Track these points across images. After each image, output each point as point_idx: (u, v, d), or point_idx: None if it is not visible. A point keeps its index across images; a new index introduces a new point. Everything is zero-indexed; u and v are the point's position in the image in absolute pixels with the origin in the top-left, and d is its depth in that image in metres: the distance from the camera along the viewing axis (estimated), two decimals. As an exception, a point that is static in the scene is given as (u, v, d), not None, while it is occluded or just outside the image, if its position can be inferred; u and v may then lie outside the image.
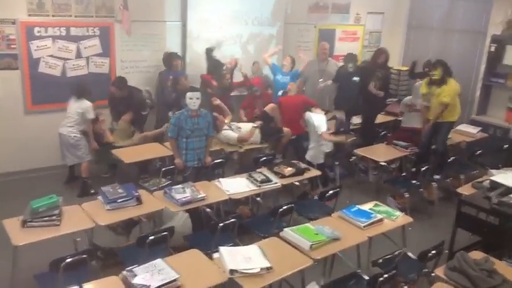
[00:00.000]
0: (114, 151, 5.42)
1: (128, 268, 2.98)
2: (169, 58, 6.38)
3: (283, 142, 6.13)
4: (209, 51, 6.70)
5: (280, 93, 6.63)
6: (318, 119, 5.57)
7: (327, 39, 7.67)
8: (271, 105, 6.19)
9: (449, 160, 5.78)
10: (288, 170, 4.87)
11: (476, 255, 3.42)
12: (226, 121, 5.96)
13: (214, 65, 6.67)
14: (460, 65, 6.68)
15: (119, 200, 3.88)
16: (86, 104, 5.55)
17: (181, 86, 6.04)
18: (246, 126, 5.92)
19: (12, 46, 5.65)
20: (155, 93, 6.54)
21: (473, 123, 7.21)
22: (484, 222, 4.31)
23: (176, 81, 6.16)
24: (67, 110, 5.59)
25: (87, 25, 6.05)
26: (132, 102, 6.08)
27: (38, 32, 5.76)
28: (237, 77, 6.82)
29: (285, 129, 6.08)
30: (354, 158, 6.12)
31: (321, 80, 6.82)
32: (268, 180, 4.63)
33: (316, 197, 4.92)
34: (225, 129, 5.82)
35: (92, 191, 5.44)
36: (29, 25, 5.68)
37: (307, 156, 5.62)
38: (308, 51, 8.01)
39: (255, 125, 5.89)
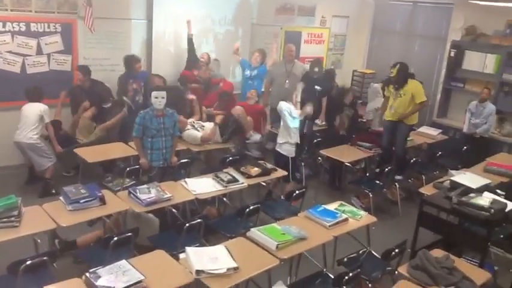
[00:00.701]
0: (76, 150, 5.28)
1: (91, 270, 2.90)
2: (131, 61, 6.22)
3: (244, 122, 6.15)
4: (190, 41, 6.71)
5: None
6: (289, 107, 5.59)
7: (293, 42, 7.73)
8: (239, 108, 6.17)
9: (411, 161, 5.93)
10: (255, 170, 4.87)
11: (438, 253, 3.52)
12: (189, 120, 5.91)
13: (193, 56, 6.71)
14: (422, 69, 6.89)
15: (82, 201, 3.77)
16: (43, 107, 5.37)
17: (154, 85, 5.98)
18: (210, 125, 5.89)
19: (-32, 41, 5.42)
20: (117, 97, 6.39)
21: (434, 125, 7.45)
22: (445, 221, 4.45)
23: (148, 82, 6.11)
24: (22, 114, 5.36)
25: (48, 21, 5.86)
26: (94, 94, 5.95)
27: (-4, 26, 5.55)
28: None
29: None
30: (319, 159, 6.20)
31: (287, 81, 6.87)
32: (234, 180, 4.61)
33: (282, 197, 4.93)
34: (188, 128, 5.77)
35: (53, 191, 5.28)
36: (-14, 19, 5.47)
37: (282, 150, 5.57)
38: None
39: (217, 122, 5.88)
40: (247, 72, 6.99)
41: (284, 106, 5.51)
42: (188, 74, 6.63)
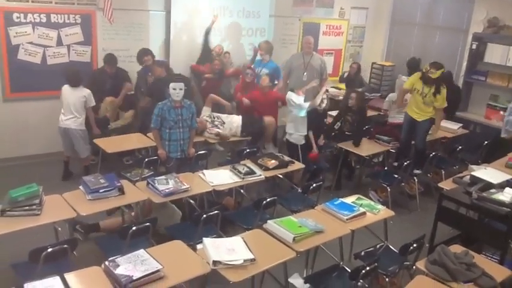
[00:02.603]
0: (96, 141, 5.34)
1: (110, 258, 2.94)
2: (140, 54, 6.22)
3: (268, 133, 6.13)
4: (207, 34, 6.77)
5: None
6: (299, 99, 5.63)
7: (311, 33, 7.67)
8: (272, 119, 6.17)
9: (430, 155, 5.85)
10: (272, 163, 4.86)
11: (456, 248, 3.47)
12: (206, 115, 5.93)
13: (207, 50, 6.76)
14: (442, 61, 6.69)
15: (101, 190, 3.82)
16: (86, 91, 5.42)
17: (156, 75, 6.02)
18: (231, 122, 5.88)
19: (-10, 32, 5.50)
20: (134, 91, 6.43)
21: (454, 119, 7.32)
22: (464, 216, 4.40)
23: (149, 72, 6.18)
24: (63, 100, 5.39)
25: (68, 12, 5.91)
26: (120, 82, 6.03)
27: (17, 18, 5.61)
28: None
29: (267, 119, 6.09)
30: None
31: (305, 74, 6.82)
32: (252, 173, 4.62)
33: (299, 190, 4.92)
34: (208, 127, 5.78)
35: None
36: (7, 10, 5.53)
37: (291, 139, 5.75)
38: (293, 45, 8.02)
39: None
40: (258, 70, 6.95)
41: (290, 96, 5.66)
42: (197, 67, 6.71)
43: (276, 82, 7.00)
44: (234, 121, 5.89)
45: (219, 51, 6.89)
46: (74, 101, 5.35)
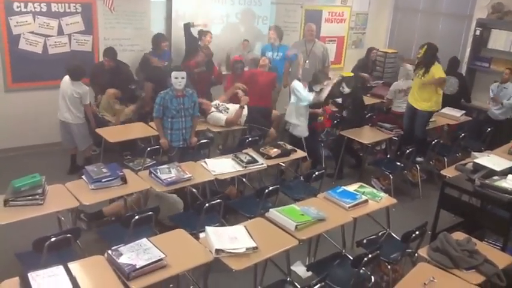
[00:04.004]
0: (98, 130, 5.32)
1: (113, 247, 2.95)
2: (157, 39, 6.26)
3: (274, 128, 6.04)
4: (187, 26, 6.54)
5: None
6: (305, 90, 5.55)
7: (314, 21, 7.61)
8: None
9: (432, 143, 5.83)
10: (274, 151, 4.86)
11: (459, 236, 3.48)
12: (214, 102, 5.89)
13: (191, 42, 6.55)
14: (445, 48, 6.70)
15: (104, 180, 3.83)
16: (83, 88, 5.30)
17: (152, 63, 6.03)
18: (234, 107, 5.84)
19: (-9, 22, 5.48)
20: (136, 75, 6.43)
21: (457, 106, 7.27)
22: (467, 203, 4.40)
23: (146, 61, 6.15)
24: (61, 91, 5.33)
25: (68, 1, 5.87)
26: (119, 76, 5.97)
27: (18, 7, 5.58)
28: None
29: (274, 113, 6.04)
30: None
31: (307, 61, 6.79)
32: (254, 161, 4.61)
33: (301, 178, 4.92)
34: (212, 111, 5.75)
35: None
36: (7, 0, 5.50)
37: (294, 132, 5.61)
38: (295, 32, 7.96)
39: (242, 105, 5.82)
40: (269, 54, 6.89)
41: (296, 85, 5.53)
42: (187, 65, 6.38)
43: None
44: (237, 107, 5.83)
45: (210, 41, 6.58)
46: (69, 95, 5.27)
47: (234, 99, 6.01)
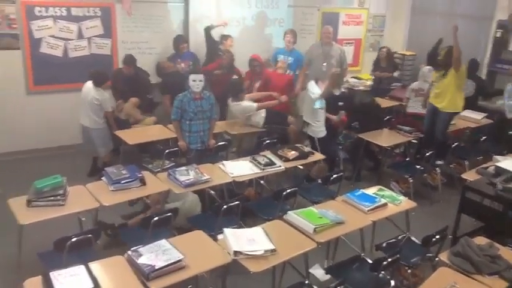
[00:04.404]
0: (117, 132, 5.39)
1: (132, 248, 2.98)
2: (176, 41, 6.32)
3: (291, 137, 5.99)
4: (208, 30, 6.58)
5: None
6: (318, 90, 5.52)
7: (331, 23, 7.59)
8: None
9: (453, 146, 5.75)
10: (292, 154, 4.85)
11: (480, 240, 3.41)
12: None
13: (212, 45, 6.61)
14: (465, 50, 6.57)
15: (123, 181, 3.87)
16: (104, 95, 5.33)
17: (166, 69, 6.03)
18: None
19: (13, 26, 5.59)
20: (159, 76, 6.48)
21: (478, 109, 7.16)
22: (488, 208, 4.31)
23: (160, 69, 6.22)
24: (82, 95, 5.37)
25: (87, 5, 5.97)
26: (138, 83, 6.01)
27: (39, 11, 5.69)
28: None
29: (289, 120, 6.03)
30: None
31: (324, 64, 6.76)
32: (272, 163, 4.61)
33: (319, 181, 4.90)
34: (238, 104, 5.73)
35: None
36: (29, 4, 5.61)
37: (309, 132, 5.62)
38: (311, 35, 7.95)
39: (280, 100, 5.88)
40: (281, 58, 6.88)
41: (309, 86, 5.54)
42: (206, 69, 6.42)
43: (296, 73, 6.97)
44: (261, 111, 5.82)
45: (231, 44, 6.66)
46: (89, 101, 5.29)
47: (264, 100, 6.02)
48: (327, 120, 5.68)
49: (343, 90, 6.00)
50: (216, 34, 6.67)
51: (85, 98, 5.34)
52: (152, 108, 6.32)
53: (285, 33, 7.10)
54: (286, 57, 6.89)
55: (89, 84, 5.35)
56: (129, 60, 5.93)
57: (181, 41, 6.35)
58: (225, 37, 6.66)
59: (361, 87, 7.83)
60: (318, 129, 5.57)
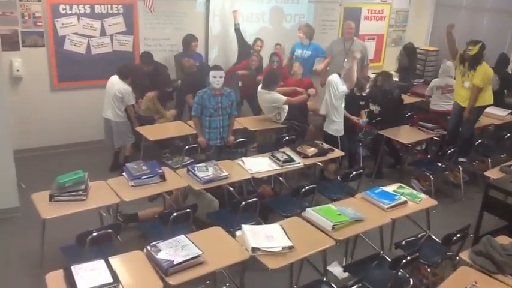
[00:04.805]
0: (138, 129, 5.46)
1: (152, 243, 3.02)
2: (187, 40, 6.33)
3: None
4: (238, 31, 6.63)
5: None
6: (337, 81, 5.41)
7: (352, 18, 7.51)
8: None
9: (476, 143, 5.65)
10: (311, 150, 4.83)
11: (503, 240, 3.35)
12: None
13: (243, 46, 6.66)
14: (491, 45, 6.44)
15: (143, 177, 3.93)
16: (127, 89, 5.44)
17: (187, 68, 6.07)
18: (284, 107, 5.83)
19: (39, 24, 5.69)
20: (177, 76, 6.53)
21: (505, 105, 6.99)
22: (512, 206, 4.23)
23: (179, 64, 6.24)
24: (106, 88, 5.50)
25: (110, 2, 6.04)
26: (158, 78, 6.07)
27: (63, 9, 5.79)
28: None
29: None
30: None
31: (346, 60, 6.70)
32: (290, 160, 4.61)
33: (339, 178, 4.87)
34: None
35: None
36: (53, 3, 5.70)
37: (329, 131, 5.47)
38: (333, 30, 7.88)
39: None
40: (299, 52, 6.83)
41: (334, 79, 5.39)
42: (231, 69, 6.56)
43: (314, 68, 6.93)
44: (284, 106, 5.80)
45: (259, 46, 6.71)
46: (113, 94, 5.42)
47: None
48: (348, 119, 5.63)
49: (363, 94, 5.88)
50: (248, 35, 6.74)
51: (109, 91, 5.46)
52: (170, 100, 6.37)
53: (298, 28, 7.03)
54: (304, 51, 6.83)
55: (115, 77, 5.48)
56: (147, 58, 5.98)
57: (192, 39, 6.31)
58: (255, 40, 6.75)
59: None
60: (339, 127, 5.45)
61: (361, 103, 5.91)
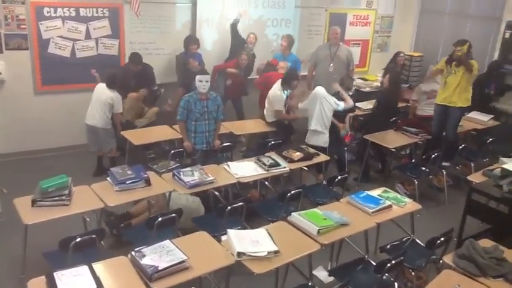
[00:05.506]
0: (124, 133, 5.42)
1: (136, 249, 2.99)
2: (186, 42, 6.34)
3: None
4: (234, 26, 6.63)
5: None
6: (328, 95, 5.45)
7: (338, 24, 7.57)
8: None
9: (459, 147, 5.72)
10: (297, 155, 4.85)
11: (486, 243, 3.40)
12: None
13: (237, 42, 6.64)
14: (473, 51, 6.56)
15: (128, 182, 3.89)
16: (118, 97, 5.42)
17: (193, 67, 6.05)
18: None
19: (22, 26, 5.63)
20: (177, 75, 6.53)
21: (492, 111, 7.10)
22: (494, 210, 4.28)
23: (184, 63, 6.19)
24: (94, 95, 5.44)
25: (96, 6, 6.00)
26: (145, 77, 6.05)
27: (48, 12, 5.73)
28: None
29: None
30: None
31: (331, 65, 6.75)
32: (276, 165, 4.61)
33: (324, 182, 4.89)
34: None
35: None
36: (38, 5, 5.65)
37: (319, 143, 5.40)
38: (318, 36, 7.93)
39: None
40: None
41: (321, 92, 5.42)
42: (219, 66, 6.58)
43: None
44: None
45: (252, 41, 6.72)
46: (103, 101, 5.36)
47: None
48: (335, 126, 5.65)
49: (350, 93, 5.92)
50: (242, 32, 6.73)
51: (98, 98, 5.40)
52: (155, 101, 6.35)
53: (281, 38, 7.03)
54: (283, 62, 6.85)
55: (103, 85, 5.43)
56: (137, 58, 5.97)
57: (191, 42, 6.34)
58: (249, 34, 6.73)
59: (368, 88, 7.82)
60: (327, 137, 5.45)
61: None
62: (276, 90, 5.68)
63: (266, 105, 5.86)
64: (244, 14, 6.77)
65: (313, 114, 5.43)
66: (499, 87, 7.04)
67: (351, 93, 5.97)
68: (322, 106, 5.38)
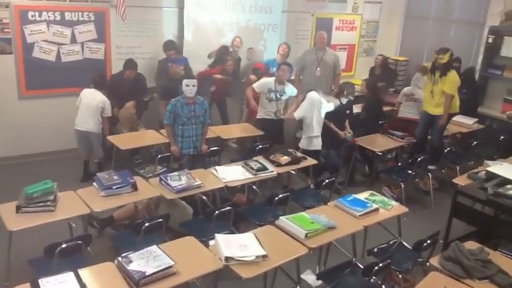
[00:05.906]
0: (110, 138, 5.38)
1: (123, 254, 2.96)
2: (165, 46, 6.33)
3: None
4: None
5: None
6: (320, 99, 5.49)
7: (324, 29, 7.61)
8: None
9: (445, 151, 5.78)
10: (284, 159, 4.85)
11: (471, 245, 3.43)
12: None
13: (221, 50, 6.69)
14: (458, 55, 6.66)
15: (114, 187, 3.86)
16: (108, 101, 5.38)
17: (172, 74, 6.02)
18: None
19: (6, 30, 5.56)
20: (155, 81, 6.46)
21: (477, 116, 7.19)
22: (480, 212, 4.34)
23: (164, 69, 6.18)
24: (83, 101, 5.37)
25: (82, 10, 5.96)
26: (138, 87, 5.99)
27: (32, 16, 5.67)
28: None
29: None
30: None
31: (318, 69, 6.78)
32: (264, 169, 4.61)
33: (312, 186, 4.90)
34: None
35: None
36: (22, 9, 5.59)
37: (313, 146, 5.47)
38: (305, 40, 7.97)
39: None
40: (273, 70, 6.84)
41: (316, 97, 5.46)
42: (203, 72, 6.56)
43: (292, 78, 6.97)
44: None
45: (238, 44, 6.79)
46: (94, 106, 5.31)
47: None
48: (336, 134, 5.68)
49: (350, 97, 5.93)
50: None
51: (90, 102, 5.33)
52: (145, 110, 6.31)
53: (279, 45, 7.07)
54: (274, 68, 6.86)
55: (90, 90, 5.37)
56: (133, 65, 5.90)
57: (169, 47, 6.31)
58: (234, 38, 6.86)
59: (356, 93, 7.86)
60: (320, 140, 5.49)
61: (347, 112, 5.93)
62: (266, 79, 5.81)
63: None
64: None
65: (313, 121, 5.44)
66: (474, 93, 7.11)
67: (352, 99, 5.99)
68: (319, 111, 5.46)
